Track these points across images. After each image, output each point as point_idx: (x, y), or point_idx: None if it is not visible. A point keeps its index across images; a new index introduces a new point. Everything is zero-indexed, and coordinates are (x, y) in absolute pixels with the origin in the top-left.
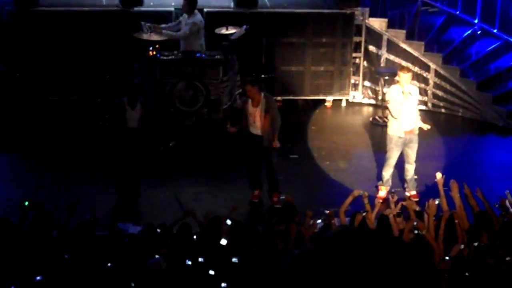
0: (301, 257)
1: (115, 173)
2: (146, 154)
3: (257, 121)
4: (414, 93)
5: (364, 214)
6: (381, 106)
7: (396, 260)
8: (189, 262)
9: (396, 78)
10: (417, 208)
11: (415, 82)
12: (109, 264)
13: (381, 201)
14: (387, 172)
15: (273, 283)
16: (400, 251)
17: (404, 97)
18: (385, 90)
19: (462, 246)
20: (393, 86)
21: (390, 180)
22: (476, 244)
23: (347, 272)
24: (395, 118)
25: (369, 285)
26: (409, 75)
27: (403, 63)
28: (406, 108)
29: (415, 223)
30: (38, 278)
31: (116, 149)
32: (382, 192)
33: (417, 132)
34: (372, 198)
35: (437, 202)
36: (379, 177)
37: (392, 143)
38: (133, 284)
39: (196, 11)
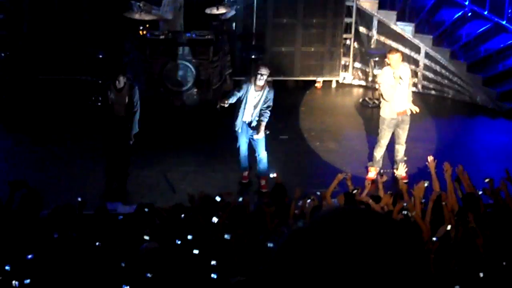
0: (295, 235)
1: (104, 154)
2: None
3: (256, 105)
4: (405, 74)
5: (355, 192)
6: (371, 87)
7: (389, 237)
8: (179, 242)
9: (386, 60)
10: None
11: (406, 63)
12: (97, 243)
13: (370, 182)
14: (378, 153)
15: (267, 261)
16: (393, 228)
17: (396, 80)
18: (375, 71)
19: (449, 227)
20: (384, 68)
21: (380, 161)
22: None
23: (342, 249)
24: (387, 101)
25: (364, 262)
26: (398, 56)
27: (394, 44)
28: (398, 90)
29: (405, 204)
30: (29, 256)
31: (104, 132)
32: (372, 173)
33: (409, 113)
34: (362, 179)
35: (426, 184)
36: (369, 158)
37: (385, 124)
38: (123, 264)
39: None
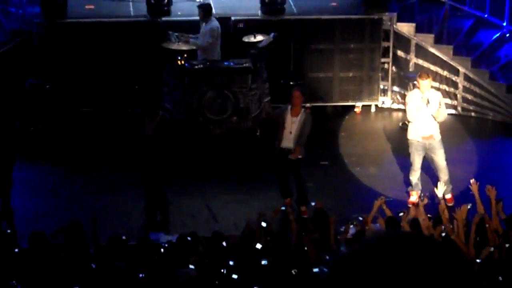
0: (344, 260)
1: (143, 184)
2: (167, 163)
3: (293, 131)
4: (434, 100)
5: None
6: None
7: (439, 261)
8: (224, 270)
9: (415, 83)
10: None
11: (445, 86)
12: (140, 275)
13: (411, 205)
14: (414, 177)
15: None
16: (443, 252)
17: (422, 103)
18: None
19: (492, 249)
20: (414, 90)
21: (419, 184)
22: (507, 245)
23: (392, 275)
24: (410, 122)
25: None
26: (428, 81)
27: (432, 67)
28: (423, 113)
29: (443, 227)
30: None
31: (137, 160)
32: (413, 197)
33: (438, 138)
34: (404, 203)
35: (468, 207)
36: (410, 183)
37: (413, 147)
38: None
39: (212, 17)
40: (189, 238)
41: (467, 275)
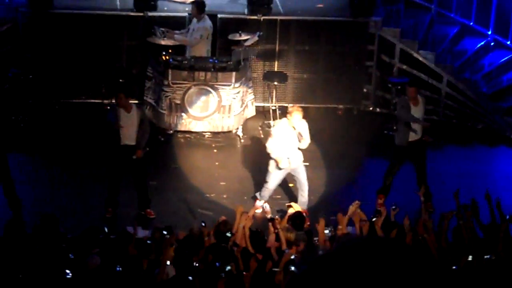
0: (317, 263)
1: (109, 177)
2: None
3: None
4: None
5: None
6: (392, 115)
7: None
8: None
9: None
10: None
11: (427, 92)
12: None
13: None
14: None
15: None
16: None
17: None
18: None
19: (470, 258)
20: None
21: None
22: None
23: (364, 277)
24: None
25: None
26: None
27: (415, 73)
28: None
29: None
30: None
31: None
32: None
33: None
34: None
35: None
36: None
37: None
38: None
39: (205, 16)
40: (164, 232)
41: (436, 278)
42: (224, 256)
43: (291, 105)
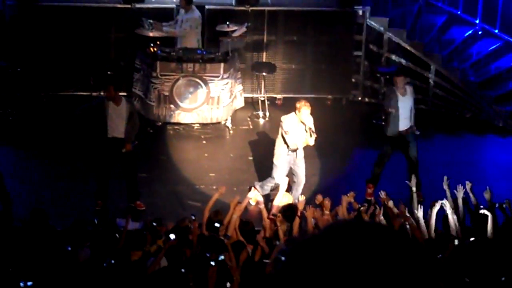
0: (301, 246)
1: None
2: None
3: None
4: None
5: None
6: (381, 105)
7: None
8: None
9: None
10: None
11: (416, 81)
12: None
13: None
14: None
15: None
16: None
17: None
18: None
19: (456, 242)
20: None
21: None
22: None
23: (347, 261)
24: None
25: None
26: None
27: (403, 62)
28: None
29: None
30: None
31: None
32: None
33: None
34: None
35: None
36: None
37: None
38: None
39: (194, 6)
40: (154, 224)
41: (421, 263)
42: (215, 246)
43: (298, 100)
